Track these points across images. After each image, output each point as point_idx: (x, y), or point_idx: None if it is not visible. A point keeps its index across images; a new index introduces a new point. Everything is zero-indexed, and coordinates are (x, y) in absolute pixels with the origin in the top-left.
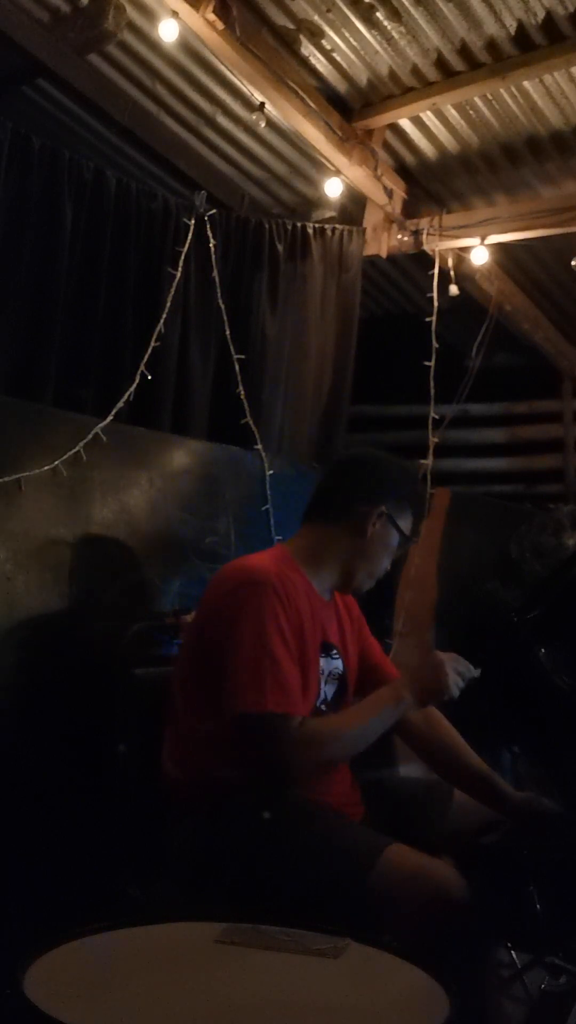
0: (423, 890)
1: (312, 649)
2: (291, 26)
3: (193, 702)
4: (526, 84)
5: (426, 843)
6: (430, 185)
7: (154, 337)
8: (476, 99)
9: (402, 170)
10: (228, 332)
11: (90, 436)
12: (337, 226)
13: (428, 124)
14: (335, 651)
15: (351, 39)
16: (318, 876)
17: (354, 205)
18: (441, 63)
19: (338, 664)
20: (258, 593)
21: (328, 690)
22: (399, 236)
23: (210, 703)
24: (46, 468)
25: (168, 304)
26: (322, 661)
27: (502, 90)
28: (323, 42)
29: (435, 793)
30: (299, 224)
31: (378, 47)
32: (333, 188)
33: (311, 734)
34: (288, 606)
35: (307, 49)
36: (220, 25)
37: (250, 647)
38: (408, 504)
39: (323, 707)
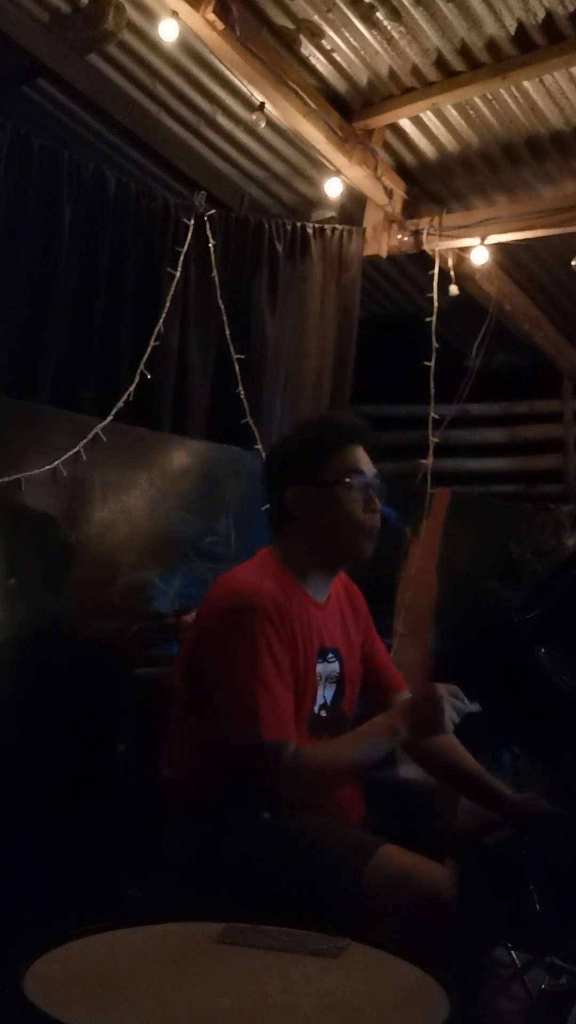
0: (414, 890)
1: (309, 659)
2: (291, 26)
3: (187, 707)
4: (526, 84)
5: (428, 844)
6: (430, 185)
7: (153, 337)
8: (476, 99)
9: (402, 170)
10: (228, 332)
11: (90, 436)
12: (337, 226)
13: (428, 124)
14: (331, 654)
15: (351, 39)
16: (310, 876)
17: (354, 205)
18: (441, 63)
19: (335, 667)
20: (250, 619)
21: (327, 694)
22: (399, 236)
23: (203, 711)
24: (46, 468)
25: (168, 304)
26: (319, 667)
27: (502, 90)
28: (323, 42)
29: (442, 795)
30: (299, 224)
31: (378, 47)
32: (333, 188)
33: (304, 763)
34: (281, 627)
35: (307, 49)
36: (220, 25)
37: (243, 677)
38: (340, 446)
39: (322, 712)
